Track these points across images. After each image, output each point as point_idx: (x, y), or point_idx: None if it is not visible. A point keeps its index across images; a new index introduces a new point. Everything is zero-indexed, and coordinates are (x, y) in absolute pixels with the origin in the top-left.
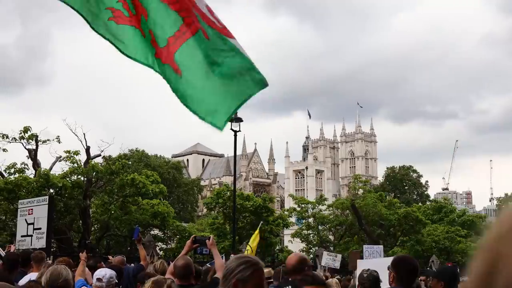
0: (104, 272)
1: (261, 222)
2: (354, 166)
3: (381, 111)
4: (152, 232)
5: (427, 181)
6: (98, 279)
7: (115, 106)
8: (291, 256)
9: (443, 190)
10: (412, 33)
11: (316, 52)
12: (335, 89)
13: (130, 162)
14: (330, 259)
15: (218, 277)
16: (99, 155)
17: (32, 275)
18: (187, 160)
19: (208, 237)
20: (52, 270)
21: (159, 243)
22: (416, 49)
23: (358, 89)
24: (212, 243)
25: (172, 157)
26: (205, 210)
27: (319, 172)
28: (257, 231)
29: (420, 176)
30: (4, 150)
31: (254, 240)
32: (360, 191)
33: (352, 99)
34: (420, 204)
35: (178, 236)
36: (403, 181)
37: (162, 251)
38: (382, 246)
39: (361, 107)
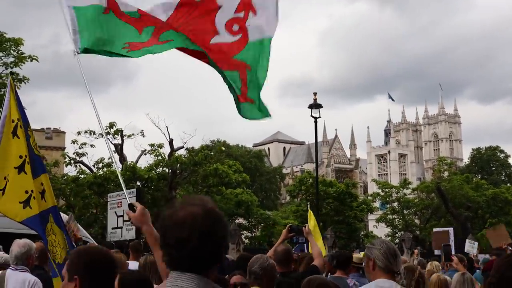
0: None
1: (308, 203)
2: (438, 149)
3: (466, 91)
4: (237, 221)
5: None
6: None
7: (196, 99)
8: None
9: None
10: (498, 9)
11: (398, 34)
12: (418, 71)
13: (212, 153)
14: (470, 246)
15: (316, 264)
16: (182, 147)
17: (131, 264)
18: (268, 148)
19: (304, 226)
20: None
21: (244, 231)
22: (503, 26)
23: (442, 70)
24: (309, 231)
25: (253, 146)
26: (288, 197)
27: (402, 156)
28: (310, 213)
29: (508, 156)
30: (91, 146)
31: (310, 221)
32: (446, 174)
33: (435, 81)
34: (509, 185)
35: (262, 224)
36: (490, 162)
37: (247, 240)
38: (452, 228)
39: (442, 89)
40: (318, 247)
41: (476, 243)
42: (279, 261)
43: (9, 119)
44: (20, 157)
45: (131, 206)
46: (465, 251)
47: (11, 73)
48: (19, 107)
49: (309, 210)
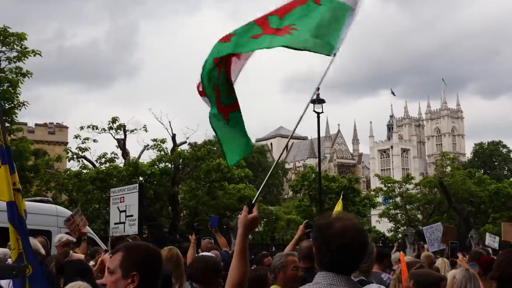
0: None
1: (343, 192)
2: (441, 144)
3: (469, 86)
4: (239, 216)
5: None
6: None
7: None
8: None
9: None
10: (502, 3)
11: (402, 29)
12: (421, 66)
13: (215, 148)
14: (491, 240)
15: None
16: (185, 142)
17: None
18: (271, 144)
19: None
20: None
21: None
22: (507, 20)
23: (445, 65)
24: None
25: (255, 141)
26: (290, 193)
27: (404, 151)
28: (340, 201)
29: (510, 151)
30: (94, 140)
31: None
32: (448, 169)
33: (438, 75)
34: (511, 179)
35: (265, 219)
36: (492, 157)
37: (250, 235)
38: (440, 223)
39: (445, 84)
40: None
41: (497, 237)
42: (304, 256)
43: None
44: None
45: (252, 206)
46: (486, 244)
47: None
48: None
49: (341, 198)
